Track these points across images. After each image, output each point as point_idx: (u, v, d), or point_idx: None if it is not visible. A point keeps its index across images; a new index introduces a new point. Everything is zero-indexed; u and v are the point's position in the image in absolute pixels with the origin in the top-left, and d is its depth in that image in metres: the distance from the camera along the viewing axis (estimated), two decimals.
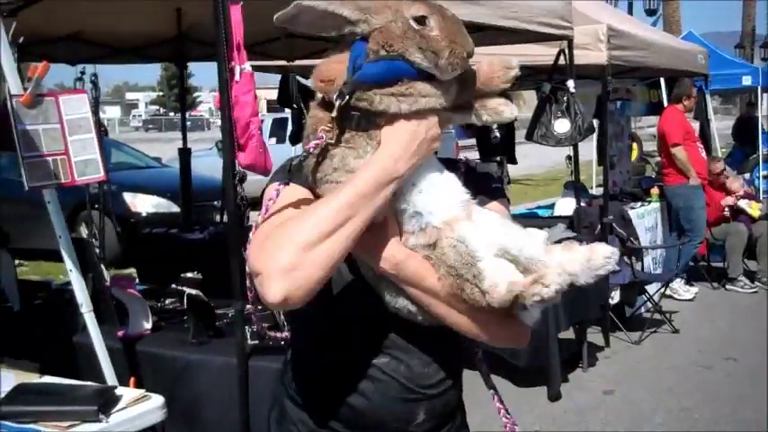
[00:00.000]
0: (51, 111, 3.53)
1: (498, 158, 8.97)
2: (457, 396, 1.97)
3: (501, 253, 1.66)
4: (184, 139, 7.80)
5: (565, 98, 6.67)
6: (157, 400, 3.01)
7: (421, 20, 1.60)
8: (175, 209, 10.57)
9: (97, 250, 10.28)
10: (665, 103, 10.70)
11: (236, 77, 3.60)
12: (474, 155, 15.99)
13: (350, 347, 1.84)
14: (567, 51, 6.54)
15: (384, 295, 1.74)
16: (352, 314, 1.82)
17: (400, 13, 1.61)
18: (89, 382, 3.20)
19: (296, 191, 1.73)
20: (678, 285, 9.29)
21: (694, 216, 9.27)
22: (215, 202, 10.38)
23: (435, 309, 1.71)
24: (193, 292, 3.84)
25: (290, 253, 1.55)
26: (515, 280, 1.61)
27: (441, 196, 1.69)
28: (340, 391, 1.85)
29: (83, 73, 6.56)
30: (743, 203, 9.97)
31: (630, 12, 20.99)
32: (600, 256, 1.63)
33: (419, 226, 1.68)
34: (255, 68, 5.57)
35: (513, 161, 9.87)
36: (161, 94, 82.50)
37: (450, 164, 1.86)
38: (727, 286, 9.84)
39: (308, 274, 1.56)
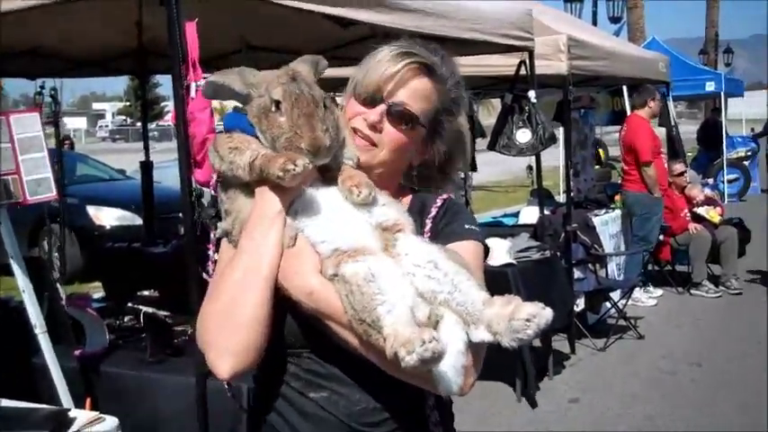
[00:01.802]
0: (2, 130, 3.49)
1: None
2: None
3: (428, 294, 1.62)
4: (147, 151, 7.76)
5: (526, 108, 6.71)
6: (112, 421, 2.97)
7: (276, 104, 1.68)
8: (140, 221, 10.49)
9: (58, 264, 10.17)
10: (629, 111, 10.74)
11: (192, 94, 3.58)
12: None
13: (289, 380, 1.80)
14: (528, 62, 6.57)
15: None
16: (294, 343, 1.79)
17: (268, 91, 1.70)
18: (42, 405, 3.15)
19: (225, 246, 1.83)
20: (639, 294, 9.34)
21: (650, 226, 9.35)
22: (180, 214, 10.30)
23: (357, 346, 1.66)
24: (150, 310, 3.81)
25: (214, 330, 1.69)
26: (399, 334, 1.53)
27: (333, 224, 1.70)
28: (276, 429, 1.81)
29: (42, 87, 6.50)
30: (701, 210, 10.07)
31: (595, 20, 21.11)
32: (521, 318, 1.56)
33: (324, 254, 1.68)
34: None
35: (473, 168, 9.74)
36: (128, 104, 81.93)
37: (420, 198, 1.93)
38: (692, 291, 9.93)
39: (239, 338, 1.67)
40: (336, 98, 1.92)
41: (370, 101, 1.85)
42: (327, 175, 1.74)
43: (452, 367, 1.59)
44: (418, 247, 1.68)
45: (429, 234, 1.85)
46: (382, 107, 1.84)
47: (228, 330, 1.67)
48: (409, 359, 1.49)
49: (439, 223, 1.89)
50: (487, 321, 1.59)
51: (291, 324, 1.76)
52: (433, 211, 1.90)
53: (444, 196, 1.94)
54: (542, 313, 1.56)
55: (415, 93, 1.86)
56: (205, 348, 1.71)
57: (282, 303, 1.72)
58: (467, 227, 1.88)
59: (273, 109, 1.67)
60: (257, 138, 1.71)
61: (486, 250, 1.92)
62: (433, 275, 1.63)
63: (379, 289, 1.58)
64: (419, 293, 1.62)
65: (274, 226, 1.70)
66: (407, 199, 1.95)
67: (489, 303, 1.61)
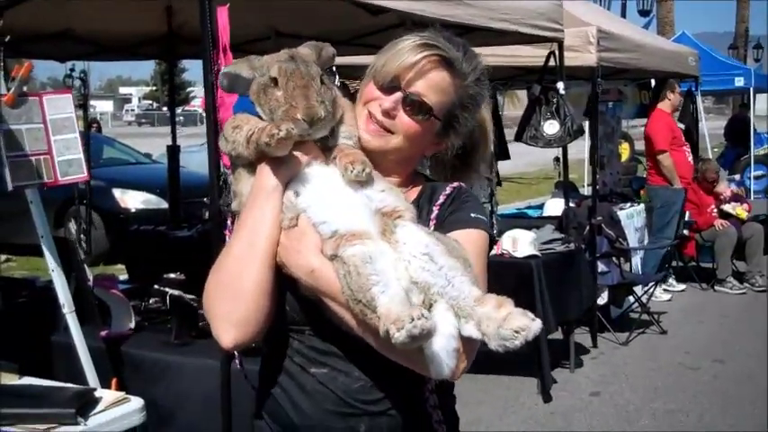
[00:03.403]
0: (35, 110, 3.52)
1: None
2: (409, 422, 1.82)
3: (422, 285, 1.64)
4: (173, 135, 7.79)
5: (554, 99, 6.67)
6: (137, 402, 2.99)
7: (274, 81, 1.75)
8: (165, 205, 10.54)
9: (85, 245, 10.23)
10: None
11: None
12: None
13: (292, 355, 1.84)
14: (557, 53, 6.54)
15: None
16: (296, 320, 1.83)
17: (268, 70, 1.77)
18: (69, 384, 3.18)
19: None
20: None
21: (668, 218, 9.28)
22: (205, 199, 10.36)
23: (354, 326, 1.70)
24: (176, 292, 3.83)
25: (217, 301, 1.76)
26: (391, 312, 1.56)
27: (334, 206, 1.73)
28: (278, 402, 1.86)
29: (72, 70, 6.54)
30: (728, 207, 9.99)
31: (624, 13, 21.00)
32: (510, 328, 1.58)
33: (324, 235, 1.72)
34: None
35: (506, 156, 9.63)
36: (154, 88, 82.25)
37: (432, 186, 1.95)
38: (716, 287, 9.86)
39: (240, 310, 1.73)
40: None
41: (388, 88, 1.88)
42: (329, 155, 1.80)
43: (444, 350, 1.61)
44: (416, 237, 1.70)
45: (435, 221, 1.88)
46: (398, 95, 1.87)
47: (230, 302, 1.74)
48: (399, 335, 1.53)
49: (445, 211, 1.90)
50: (477, 319, 1.61)
51: (293, 301, 1.81)
52: (441, 199, 1.92)
53: (455, 184, 1.96)
54: (532, 326, 1.58)
55: (432, 85, 1.87)
56: (210, 319, 1.78)
57: (285, 281, 1.77)
58: (473, 215, 1.88)
59: (272, 85, 1.75)
60: (259, 117, 1.78)
61: (492, 240, 1.92)
62: (427, 267, 1.66)
63: (375, 270, 1.62)
64: (413, 281, 1.66)
65: (271, 200, 1.75)
66: (419, 187, 1.97)
67: (481, 301, 1.63)
